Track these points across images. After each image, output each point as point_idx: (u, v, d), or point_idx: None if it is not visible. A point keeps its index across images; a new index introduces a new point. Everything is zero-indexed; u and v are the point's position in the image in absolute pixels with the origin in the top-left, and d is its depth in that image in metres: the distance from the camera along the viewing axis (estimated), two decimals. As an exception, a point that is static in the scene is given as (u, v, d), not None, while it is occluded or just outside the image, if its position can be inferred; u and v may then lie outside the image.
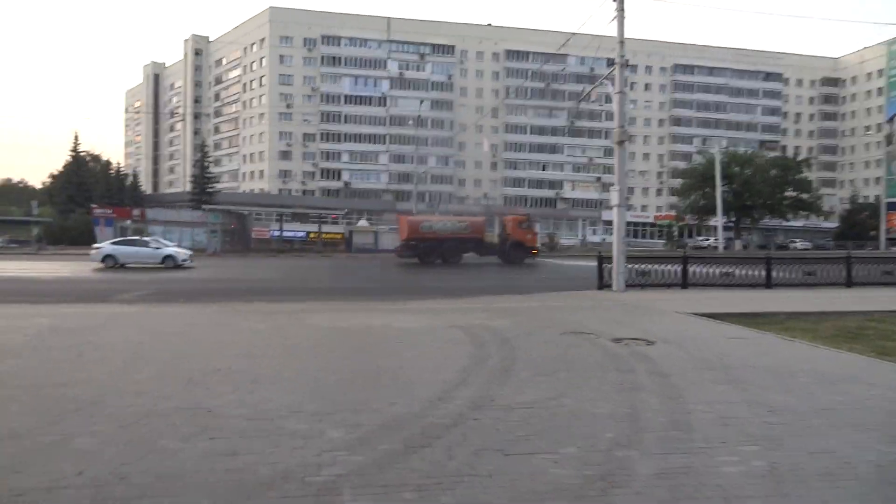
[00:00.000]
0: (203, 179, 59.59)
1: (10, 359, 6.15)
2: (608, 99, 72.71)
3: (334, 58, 75.44)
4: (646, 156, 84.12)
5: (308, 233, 60.48)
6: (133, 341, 7.26)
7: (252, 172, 78.40)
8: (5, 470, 3.46)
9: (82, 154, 69.76)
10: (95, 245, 27.46)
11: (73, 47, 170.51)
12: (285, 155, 75.77)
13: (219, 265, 30.63)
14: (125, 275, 21.79)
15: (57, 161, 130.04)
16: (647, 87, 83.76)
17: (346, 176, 76.66)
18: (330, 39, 75.08)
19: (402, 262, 32.11)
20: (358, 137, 76.29)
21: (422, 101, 65.79)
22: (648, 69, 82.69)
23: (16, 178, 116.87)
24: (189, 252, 26.85)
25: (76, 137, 66.73)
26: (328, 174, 76.63)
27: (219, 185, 68.86)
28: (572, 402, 5.10)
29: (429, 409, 4.80)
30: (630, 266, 16.18)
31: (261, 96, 76.56)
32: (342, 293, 15.82)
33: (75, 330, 8.03)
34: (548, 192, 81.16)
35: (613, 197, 16.30)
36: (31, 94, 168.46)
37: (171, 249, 26.28)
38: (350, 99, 75.92)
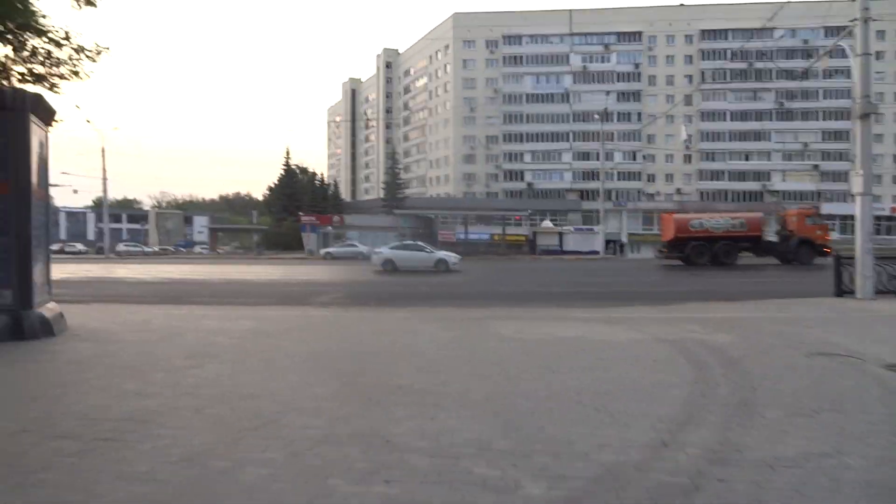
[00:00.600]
0: (394, 186, 63.11)
1: (212, 363, 6.18)
2: (830, 73, 63.52)
3: (515, 57, 75.40)
4: (878, 136, 71.74)
5: (492, 235, 60.96)
6: (320, 350, 7.11)
7: (438, 177, 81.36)
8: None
9: (293, 167, 77.98)
10: (376, 250, 29.31)
11: (286, 71, 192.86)
12: (469, 158, 77.40)
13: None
14: (350, 275, 23.18)
15: (274, 174, 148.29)
16: (879, 55, 71.40)
17: (528, 176, 76.18)
18: (511, 39, 75.20)
19: (663, 264, 30.71)
20: (540, 136, 75.39)
21: (607, 94, 62.75)
22: (881, 34, 70.46)
23: (243, 192, 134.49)
24: (458, 257, 27.76)
25: (287, 153, 74.58)
26: (511, 175, 76.78)
27: (408, 191, 72.51)
28: (861, 462, 3.63)
29: (652, 459, 3.68)
30: (880, 268, 13.15)
31: (445, 102, 79.13)
32: (530, 298, 14.99)
33: (272, 334, 8.15)
34: (752, 185, 72.97)
35: (856, 184, 13.34)
36: (253, 116, 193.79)
37: (443, 254, 27.32)
38: (532, 97, 75.32)
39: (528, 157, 76.37)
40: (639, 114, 72.66)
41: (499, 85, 76.15)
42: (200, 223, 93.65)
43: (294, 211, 63.89)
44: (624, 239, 64.66)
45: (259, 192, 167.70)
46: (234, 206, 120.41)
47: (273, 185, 79.22)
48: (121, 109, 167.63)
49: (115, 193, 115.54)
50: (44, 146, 8.37)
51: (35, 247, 7.91)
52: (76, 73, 9.47)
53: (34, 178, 7.91)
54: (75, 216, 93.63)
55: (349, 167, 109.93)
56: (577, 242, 51.88)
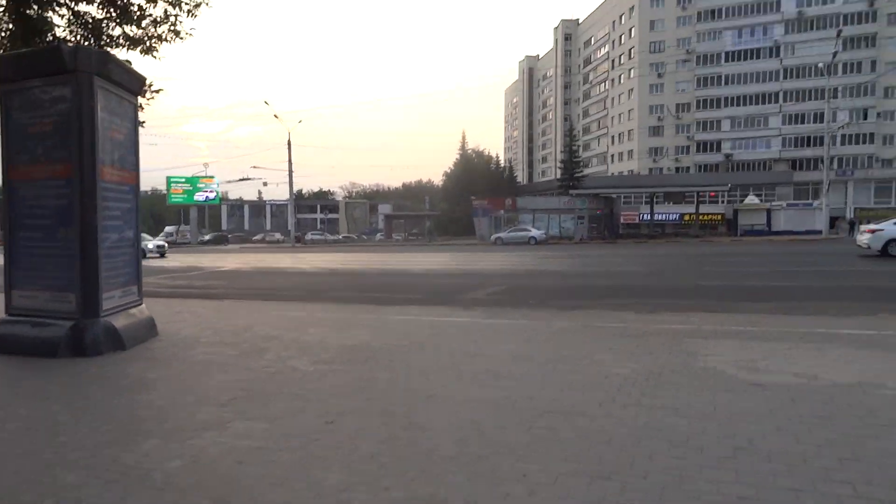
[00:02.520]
0: (571, 165, 59.16)
1: (242, 419, 4.09)
2: None
3: (713, 11, 66.72)
4: None
5: (682, 215, 54.55)
6: (417, 400, 4.74)
7: (620, 153, 75.47)
8: None
9: (469, 152, 77.56)
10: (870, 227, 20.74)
11: (465, 55, 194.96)
12: (656, 131, 70.50)
13: (581, 254, 28.39)
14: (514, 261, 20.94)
15: (451, 160, 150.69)
16: None
17: (726, 146, 67.34)
18: (706, -8, 66.63)
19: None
20: (742, 100, 66.11)
21: (839, 33, 51.04)
22: None
23: (425, 179, 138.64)
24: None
25: (463, 137, 74.36)
26: (705, 147, 68.52)
27: (587, 170, 67.96)
28: None
29: None
30: None
31: (630, 70, 72.79)
32: (741, 295, 11.24)
33: (374, 356, 5.97)
34: None
35: None
36: (435, 102, 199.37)
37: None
38: (732, 56, 66.27)
39: (726, 125, 67.41)
40: (872, 62, 60.11)
41: (692, 45, 68.01)
42: (384, 211, 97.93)
43: (469, 196, 63.10)
44: (850, 214, 54.01)
45: (439, 179, 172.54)
46: (415, 193, 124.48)
47: (449, 171, 79.68)
48: (311, 103, 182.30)
49: (312, 185, 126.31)
50: (126, 118, 6.98)
51: (107, 242, 6.53)
52: (176, 33, 8.15)
53: (106, 158, 6.50)
54: (279, 208, 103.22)
55: (526, 149, 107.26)
56: (791, 220, 43.87)
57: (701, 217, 48.75)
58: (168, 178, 61.19)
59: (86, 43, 7.82)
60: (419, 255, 29.68)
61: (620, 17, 74.31)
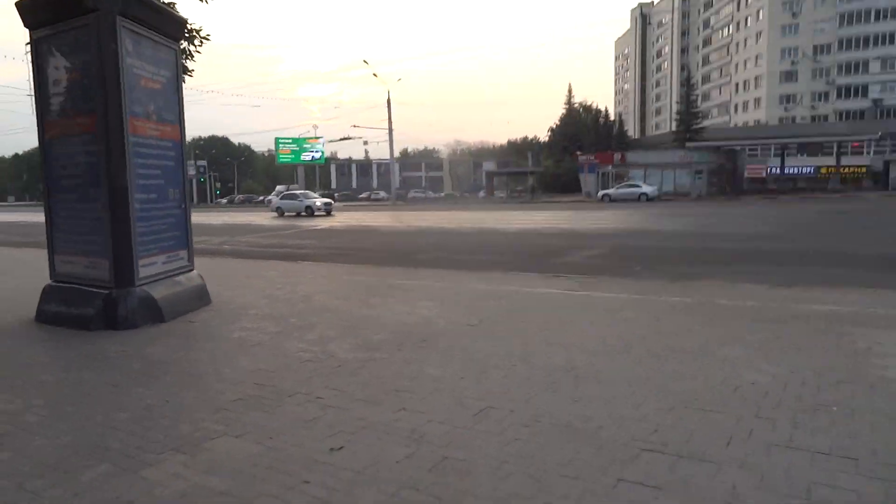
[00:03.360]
0: (688, 116, 54.30)
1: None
2: None
3: (861, -64, 57.90)
4: None
5: (818, 168, 48.72)
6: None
7: (745, 103, 68.59)
8: None
9: (575, 106, 73.78)
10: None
11: (570, 5, 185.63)
12: (788, 76, 63.20)
13: (699, 212, 25.71)
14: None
15: (557, 115, 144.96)
16: None
17: (875, 91, 59.11)
18: (854, -87, 57.81)
19: None
20: (894, 37, 57.38)
21: None
22: None
23: (531, 135, 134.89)
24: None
25: (570, 90, 70.65)
26: (848, 92, 60.63)
27: (706, 122, 62.39)
28: None
29: None
30: None
31: (758, 10, 65.31)
32: (882, 264, 9.05)
33: (427, 341, 4.91)
34: None
35: None
36: (541, 56, 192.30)
37: None
38: (884, -14, 57.35)
39: (874, 67, 59.05)
40: None
41: (834, -24, 59.61)
42: (488, 168, 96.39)
43: (575, 152, 60.09)
44: None
45: (544, 135, 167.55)
46: (521, 150, 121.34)
47: (554, 126, 76.41)
48: (414, 60, 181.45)
49: (416, 144, 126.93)
50: (164, 65, 6.22)
51: (144, 203, 5.86)
52: None
53: (139, 109, 5.78)
54: (386, 166, 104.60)
55: (638, 102, 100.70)
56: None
57: (842, 170, 43.13)
58: (276, 140, 63.26)
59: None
60: (518, 213, 28.24)
61: (750, -51, 66.51)
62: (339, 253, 13.20)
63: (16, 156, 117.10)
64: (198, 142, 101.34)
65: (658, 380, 3.64)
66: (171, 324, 5.73)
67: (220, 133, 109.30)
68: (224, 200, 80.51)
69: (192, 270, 6.76)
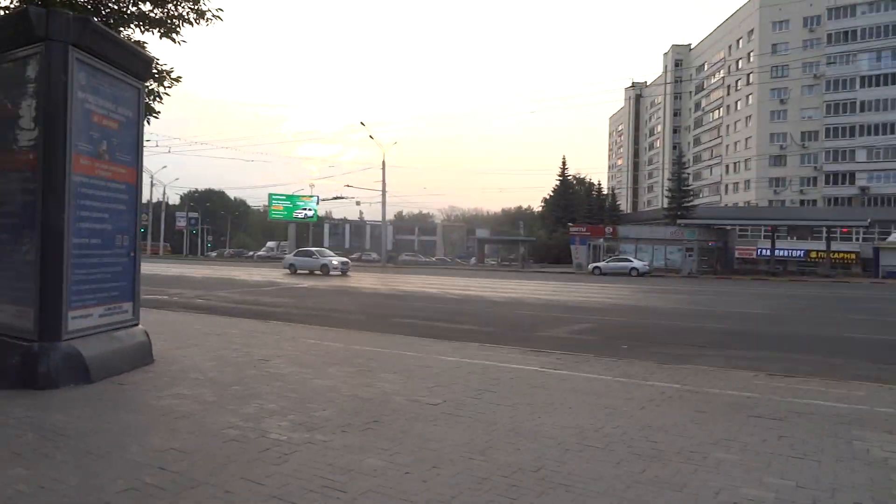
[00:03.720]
0: (679, 193, 54.95)
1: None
2: None
3: (846, 32, 60.54)
4: None
5: (808, 252, 48.94)
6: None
7: (735, 184, 69.76)
8: None
9: (569, 178, 74.81)
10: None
11: (567, 81, 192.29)
12: (777, 160, 64.47)
13: (690, 290, 25.36)
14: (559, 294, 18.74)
15: (551, 185, 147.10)
16: None
17: (861, 179, 60.29)
18: (839, 11, 60.60)
19: None
20: (880, 128, 59.09)
21: None
22: None
23: (525, 205, 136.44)
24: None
25: (563, 162, 71.60)
26: (836, 179, 61.76)
27: (697, 201, 63.16)
28: None
29: None
30: None
31: (747, 96, 67.39)
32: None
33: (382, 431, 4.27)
34: None
35: None
36: (536, 129, 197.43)
37: None
38: (869, 80, 59.55)
39: (861, 155, 60.46)
40: None
41: (820, 70, 61.85)
42: (481, 235, 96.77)
43: (568, 223, 60.38)
44: None
45: (538, 205, 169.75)
46: (514, 219, 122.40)
47: (548, 196, 77.20)
48: (414, 130, 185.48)
49: (411, 207, 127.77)
50: (125, 104, 5.84)
51: (82, 248, 5.33)
52: (201, 14, 7.04)
53: (86, 147, 5.34)
54: (380, 228, 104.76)
55: (630, 177, 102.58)
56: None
57: (832, 255, 43.23)
58: (270, 195, 63.36)
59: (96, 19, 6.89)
60: (507, 282, 27.75)
61: (738, 40, 69.19)
62: (314, 314, 12.57)
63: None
64: (193, 194, 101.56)
65: (640, 490, 3.02)
66: (99, 385, 5.08)
67: (219, 187, 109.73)
68: (214, 254, 79.89)
69: (135, 325, 6.16)
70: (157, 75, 6.91)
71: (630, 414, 4.52)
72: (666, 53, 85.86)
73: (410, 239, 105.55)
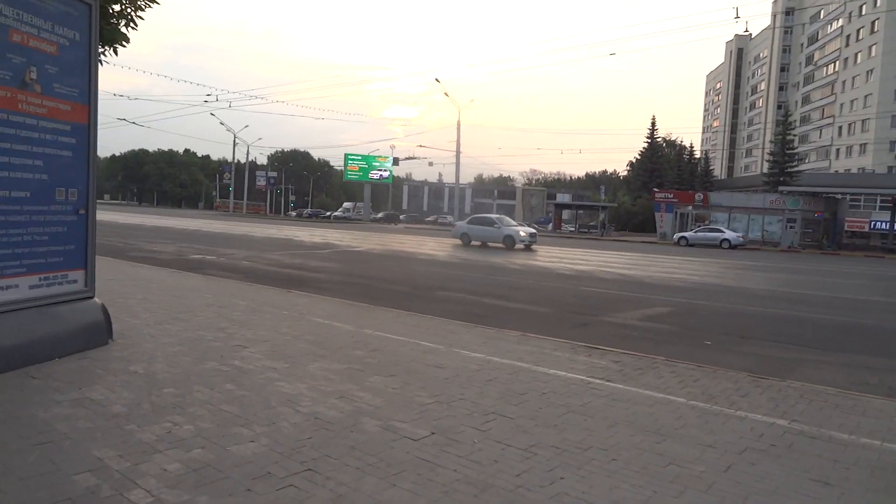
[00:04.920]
0: (783, 157, 49.80)
1: None
2: None
3: None
4: None
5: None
6: None
7: (849, 147, 62.82)
8: None
9: (658, 140, 70.09)
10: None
11: (662, 35, 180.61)
12: (901, 121, 57.23)
13: (791, 267, 22.48)
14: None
15: (638, 148, 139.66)
16: None
17: None
18: None
19: None
20: None
21: None
22: None
23: (610, 169, 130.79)
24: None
25: (653, 123, 66.82)
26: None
27: (803, 165, 57.37)
28: None
29: None
30: None
31: (870, 47, 59.87)
32: None
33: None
34: None
35: None
36: (626, 86, 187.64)
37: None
38: None
39: None
40: None
41: (962, 15, 53.75)
42: (564, 200, 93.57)
43: (654, 189, 56.59)
44: None
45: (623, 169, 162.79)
46: (599, 183, 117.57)
47: (634, 160, 72.88)
48: (496, 86, 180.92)
49: (492, 171, 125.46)
50: (65, 24, 4.64)
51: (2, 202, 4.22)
52: None
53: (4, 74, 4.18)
54: (460, 191, 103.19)
55: (727, 140, 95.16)
56: None
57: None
58: (346, 156, 63.22)
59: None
60: (580, 251, 25.71)
61: (863, -17, 61.39)
62: (350, 282, 11.41)
63: (112, 157, 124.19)
64: (278, 154, 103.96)
65: None
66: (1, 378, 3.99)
67: (304, 147, 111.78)
68: (294, 214, 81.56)
69: (89, 298, 5.08)
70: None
71: (708, 480, 2.90)
72: (775, 1, 77.67)
73: (490, 203, 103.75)
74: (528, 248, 24.39)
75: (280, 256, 16.50)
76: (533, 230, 26.79)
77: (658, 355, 5.71)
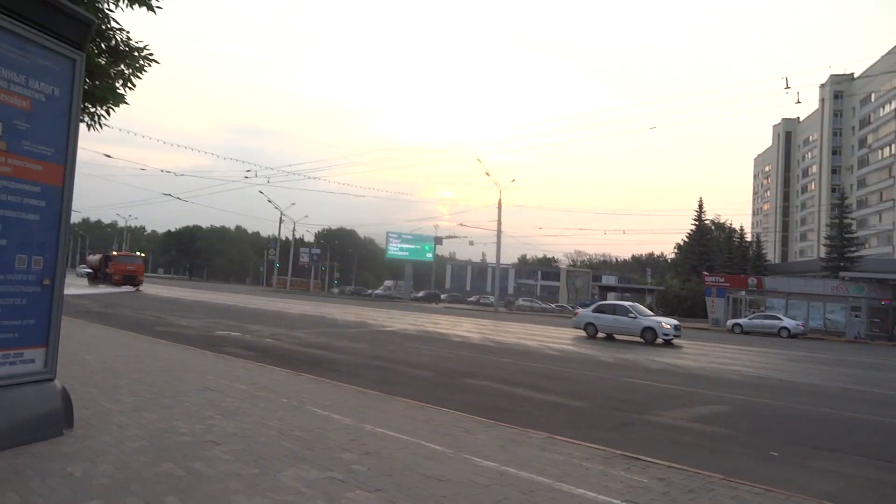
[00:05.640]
0: (841, 241, 47.52)
1: None
2: None
3: None
4: None
5: None
6: None
7: (913, 233, 59.78)
8: None
9: (706, 222, 68.51)
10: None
11: (709, 118, 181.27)
12: (969, 206, 54.35)
13: (861, 361, 20.58)
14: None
15: (685, 229, 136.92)
16: None
17: None
18: None
19: None
20: None
21: None
22: None
23: (657, 251, 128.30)
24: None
25: (700, 205, 65.56)
26: None
27: (864, 251, 54.63)
28: None
29: None
30: None
31: (928, 130, 58.01)
32: None
33: None
34: None
35: None
36: (673, 170, 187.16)
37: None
38: None
39: None
40: None
41: None
42: (609, 282, 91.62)
43: (703, 272, 54.60)
44: None
45: (670, 251, 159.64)
46: (645, 266, 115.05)
47: (682, 242, 71.14)
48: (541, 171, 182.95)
49: (535, 251, 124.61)
50: (43, 77, 4.31)
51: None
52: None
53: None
54: (503, 271, 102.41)
55: (780, 224, 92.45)
56: None
57: None
58: (387, 234, 63.75)
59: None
60: (626, 338, 24.28)
61: (917, 67, 60.37)
62: (370, 366, 10.62)
63: (168, 232, 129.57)
64: (323, 231, 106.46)
65: None
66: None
67: (349, 225, 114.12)
68: (336, 290, 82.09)
69: (48, 381, 4.45)
70: (124, 52, 5.39)
71: None
72: (823, 85, 76.94)
73: (534, 283, 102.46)
74: (668, 344, 20.41)
75: (306, 335, 15.88)
76: (676, 322, 22.39)
77: (714, 471, 4.65)
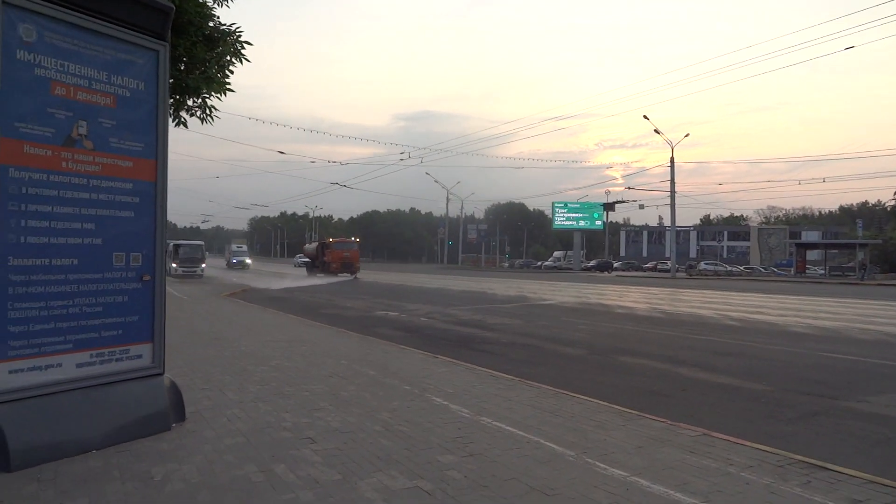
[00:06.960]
0: None
1: None
2: None
3: None
4: None
5: None
6: None
7: None
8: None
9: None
10: None
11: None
12: None
13: None
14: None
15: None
16: None
17: None
18: None
19: None
20: None
21: None
22: None
23: (872, 200, 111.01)
24: None
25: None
26: None
27: None
28: None
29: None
30: None
31: None
32: None
33: None
34: None
35: None
36: (877, 104, 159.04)
37: None
38: None
39: None
40: None
41: None
42: (811, 239, 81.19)
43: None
44: None
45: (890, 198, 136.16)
46: (856, 217, 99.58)
47: (904, 187, 60.14)
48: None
49: (720, 211, 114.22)
50: (126, 73, 4.27)
51: (30, 271, 3.79)
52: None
53: (39, 129, 3.83)
54: (683, 234, 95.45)
55: None
56: None
57: None
58: (553, 204, 62.08)
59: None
60: (826, 301, 20.82)
61: None
62: (518, 343, 10.00)
63: (351, 219, 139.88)
64: (494, 207, 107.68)
65: None
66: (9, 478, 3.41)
67: (518, 199, 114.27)
68: (507, 265, 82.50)
69: (157, 376, 4.49)
70: (219, 36, 5.23)
71: None
72: None
73: (718, 245, 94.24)
74: None
75: (461, 312, 15.70)
76: None
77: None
